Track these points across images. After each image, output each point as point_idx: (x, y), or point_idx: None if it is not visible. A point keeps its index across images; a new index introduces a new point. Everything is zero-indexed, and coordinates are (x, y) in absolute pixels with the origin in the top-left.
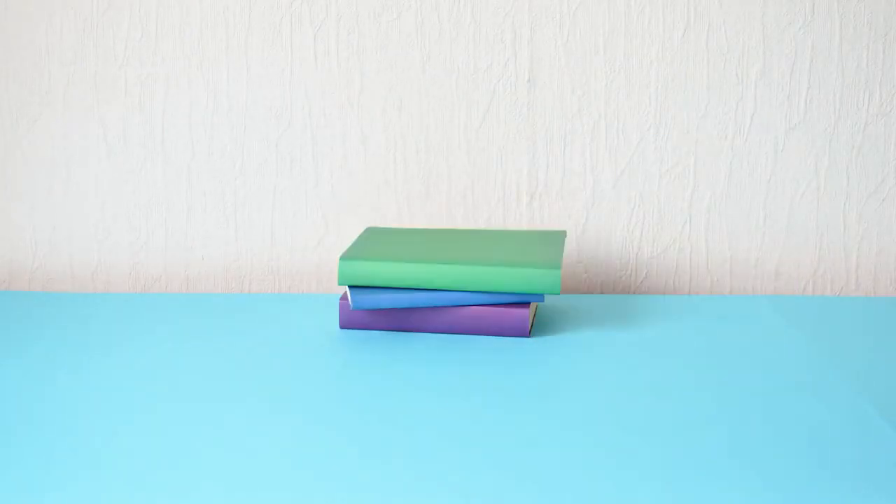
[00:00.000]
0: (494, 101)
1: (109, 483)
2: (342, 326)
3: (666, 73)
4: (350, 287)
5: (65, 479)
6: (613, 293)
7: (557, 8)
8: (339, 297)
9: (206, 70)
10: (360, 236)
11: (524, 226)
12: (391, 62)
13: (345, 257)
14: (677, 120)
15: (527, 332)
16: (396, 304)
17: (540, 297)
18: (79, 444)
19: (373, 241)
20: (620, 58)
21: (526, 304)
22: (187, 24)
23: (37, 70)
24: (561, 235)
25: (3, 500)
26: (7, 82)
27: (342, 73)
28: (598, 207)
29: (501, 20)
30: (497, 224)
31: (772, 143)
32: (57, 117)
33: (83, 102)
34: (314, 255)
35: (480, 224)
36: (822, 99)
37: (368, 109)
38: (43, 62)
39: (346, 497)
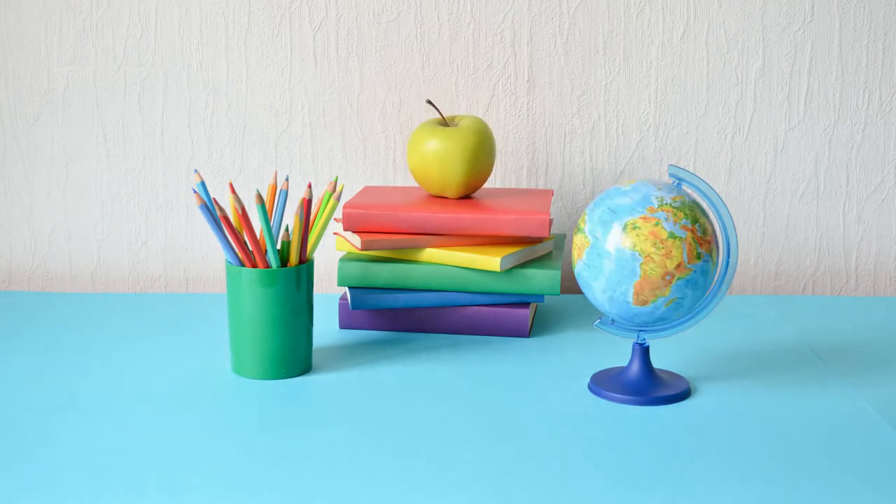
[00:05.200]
0: (494, 101)
1: (109, 482)
2: (342, 326)
3: (666, 73)
4: (349, 287)
5: (64, 478)
6: None
7: (557, 8)
8: (339, 297)
9: (206, 70)
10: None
11: None
12: (391, 62)
13: (345, 259)
14: (677, 120)
15: (527, 332)
16: (395, 305)
17: (540, 297)
18: (78, 444)
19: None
20: (620, 58)
21: (526, 305)
22: (187, 24)
23: (37, 70)
24: (561, 236)
25: (2, 500)
26: (7, 82)
27: (342, 73)
28: None
29: (501, 20)
30: None
31: (772, 143)
32: (57, 117)
33: (83, 102)
34: (314, 256)
35: None
36: (822, 99)
37: (368, 109)
38: (43, 62)
39: (346, 497)
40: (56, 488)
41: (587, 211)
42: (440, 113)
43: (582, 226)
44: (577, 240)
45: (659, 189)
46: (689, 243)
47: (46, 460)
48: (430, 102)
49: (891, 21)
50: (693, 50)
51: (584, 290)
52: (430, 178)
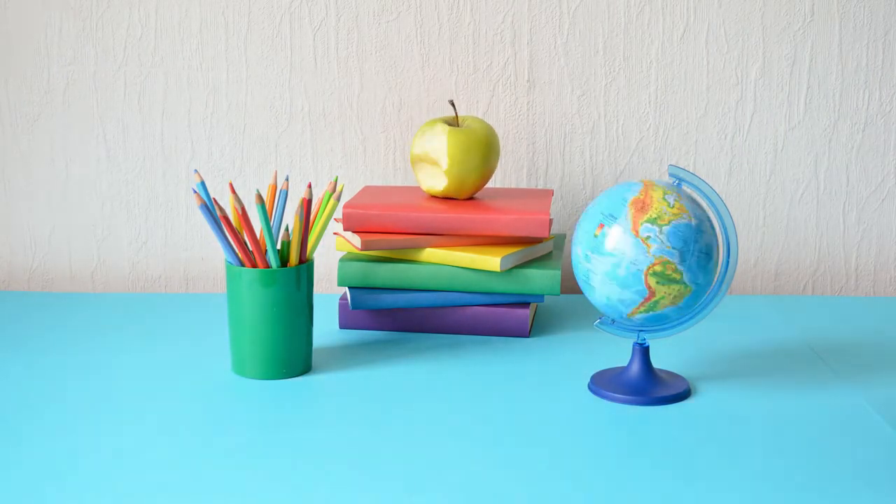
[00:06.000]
0: (494, 101)
1: (108, 482)
2: (342, 326)
3: (666, 73)
4: (349, 287)
5: (64, 477)
6: None
7: (557, 8)
8: (339, 297)
9: (206, 70)
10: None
11: None
12: (391, 62)
13: (345, 259)
14: (677, 120)
15: (527, 332)
16: (395, 305)
17: (540, 297)
18: (79, 445)
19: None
20: (620, 58)
21: (526, 305)
22: (187, 25)
23: (37, 70)
24: (560, 236)
25: (2, 499)
26: (7, 82)
27: (342, 73)
28: None
29: (501, 20)
30: None
31: (772, 143)
32: (57, 117)
33: (83, 102)
34: (314, 256)
35: None
36: (822, 99)
37: (368, 109)
38: (43, 62)
39: (346, 497)
40: (55, 488)
41: (676, 260)
42: (456, 114)
43: (675, 276)
44: (673, 290)
45: (702, 206)
46: None
47: (46, 460)
48: (451, 103)
49: (891, 21)
50: (693, 50)
51: (651, 322)
52: (443, 178)
